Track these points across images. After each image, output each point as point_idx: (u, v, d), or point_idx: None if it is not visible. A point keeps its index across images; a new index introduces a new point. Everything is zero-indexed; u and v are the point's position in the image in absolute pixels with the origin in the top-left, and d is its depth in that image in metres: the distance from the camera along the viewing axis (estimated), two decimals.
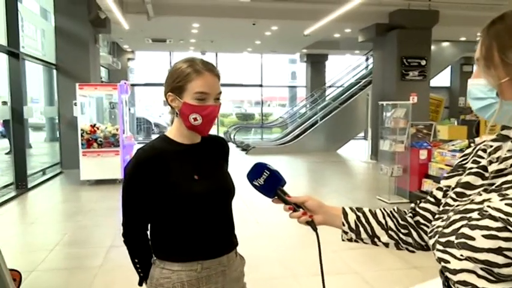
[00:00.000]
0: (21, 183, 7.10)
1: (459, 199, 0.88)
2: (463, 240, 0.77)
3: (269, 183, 1.19)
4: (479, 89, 0.83)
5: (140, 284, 1.44)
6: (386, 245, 1.09)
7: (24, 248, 4.55)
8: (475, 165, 0.90)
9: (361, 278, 3.60)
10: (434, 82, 13.15)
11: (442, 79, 16.14)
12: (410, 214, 1.07)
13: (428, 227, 1.00)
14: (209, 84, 1.34)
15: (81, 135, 7.57)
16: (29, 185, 7.26)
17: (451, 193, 0.92)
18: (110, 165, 7.54)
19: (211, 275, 1.38)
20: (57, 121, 9.47)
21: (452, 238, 0.80)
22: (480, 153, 0.90)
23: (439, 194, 1.00)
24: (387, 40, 10.32)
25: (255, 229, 4.92)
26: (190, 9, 9.45)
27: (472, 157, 0.93)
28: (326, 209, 1.14)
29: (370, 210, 1.12)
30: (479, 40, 0.84)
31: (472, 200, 0.84)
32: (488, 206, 0.77)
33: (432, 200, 1.02)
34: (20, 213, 6.22)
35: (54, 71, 9.29)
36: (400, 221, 1.07)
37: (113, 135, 7.74)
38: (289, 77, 21.61)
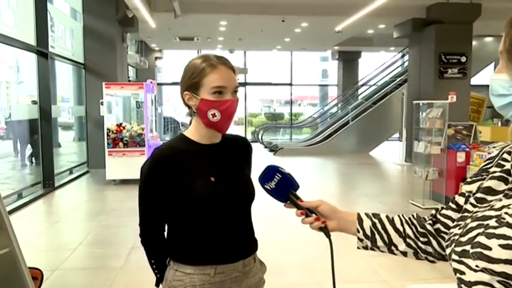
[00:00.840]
0: (48, 182, 7.35)
1: (479, 205, 0.84)
2: (478, 249, 0.73)
3: (281, 187, 1.17)
4: (502, 84, 0.78)
5: (157, 285, 1.45)
6: (404, 254, 1.05)
7: (48, 246, 4.71)
8: (499, 169, 0.84)
9: (390, 287, 3.50)
10: (476, 80, 12.69)
11: (485, 77, 15.56)
12: (430, 221, 1.03)
13: None
14: (225, 78, 1.34)
15: (107, 135, 7.77)
16: (56, 184, 7.52)
17: (471, 199, 0.87)
18: (135, 165, 7.64)
19: (224, 281, 1.37)
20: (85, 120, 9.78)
21: (468, 247, 0.76)
22: (505, 156, 0.85)
23: (461, 200, 0.95)
24: (424, 36, 10.06)
25: (280, 233, 4.89)
26: (218, 7, 9.52)
27: (497, 160, 0.87)
28: (340, 215, 1.11)
29: (387, 217, 1.08)
30: (503, 33, 0.79)
31: (492, 206, 0.80)
32: (506, 213, 0.72)
33: (454, 206, 0.97)
34: (46, 211, 6.45)
35: (83, 71, 9.59)
36: (419, 229, 1.02)
37: (138, 135, 7.90)
38: (320, 75, 21.42)
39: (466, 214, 0.86)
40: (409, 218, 1.06)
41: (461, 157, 5.75)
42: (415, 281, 3.61)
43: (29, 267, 1.68)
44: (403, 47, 13.71)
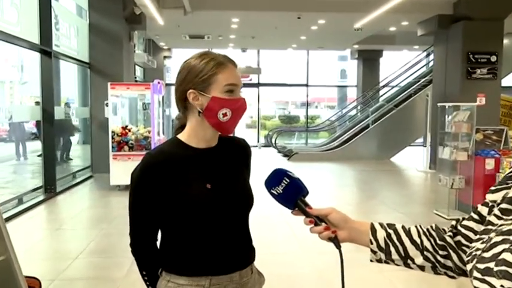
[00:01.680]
0: (49, 187, 7.42)
1: (504, 217, 0.80)
2: (504, 267, 0.70)
3: (289, 192, 1.15)
4: None
5: None
6: (421, 268, 1.02)
7: (47, 254, 4.75)
8: None
9: None
10: (507, 81, 12.49)
11: None
12: (450, 233, 0.99)
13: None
14: (236, 76, 1.35)
15: (112, 138, 7.82)
16: (58, 189, 7.59)
17: (495, 210, 0.83)
18: None
19: None
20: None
21: (492, 265, 0.72)
22: None
23: (484, 210, 0.91)
24: (451, 33, 9.96)
25: (292, 243, 4.85)
26: (230, 3, 9.57)
27: None
28: (352, 224, 1.09)
29: (403, 227, 1.05)
30: None
31: None
32: None
33: (476, 217, 0.94)
34: (47, 218, 6.52)
35: (88, 70, 9.70)
36: (438, 241, 0.99)
37: (144, 138, 7.95)
38: (339, 75, 21.33)
39: (489, 227, 0.82)
40: (427, 229, 1.03)
41: (490, 164, 5.64)
42: None
43: (26, 277, 1.68)
44: (428, 45, 13.57)
